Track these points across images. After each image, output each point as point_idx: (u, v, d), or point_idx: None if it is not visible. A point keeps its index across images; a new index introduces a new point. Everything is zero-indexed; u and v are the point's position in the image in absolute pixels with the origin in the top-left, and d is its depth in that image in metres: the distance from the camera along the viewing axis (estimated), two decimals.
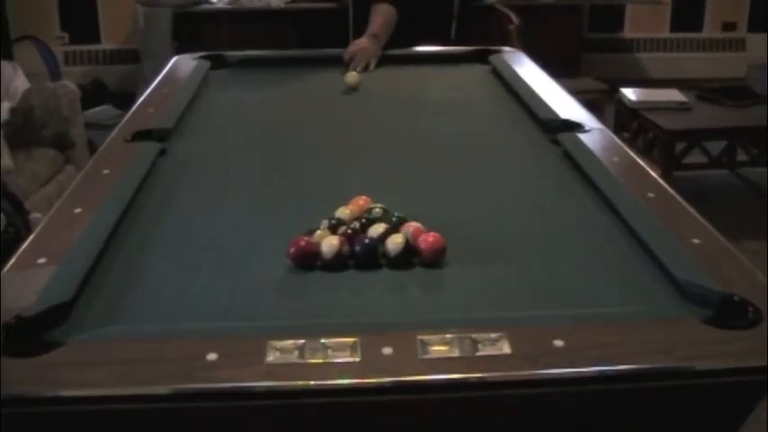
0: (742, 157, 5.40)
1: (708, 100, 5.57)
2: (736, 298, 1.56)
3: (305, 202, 2.15)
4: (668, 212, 1.98)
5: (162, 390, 1.35)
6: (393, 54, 3.73)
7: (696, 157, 5.24)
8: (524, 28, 5.48)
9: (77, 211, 2.01)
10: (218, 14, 7.11)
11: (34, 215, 3.79)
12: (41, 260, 1.75)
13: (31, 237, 1.91)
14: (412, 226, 1.85)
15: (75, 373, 1.39)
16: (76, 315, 1.59)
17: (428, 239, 1.81)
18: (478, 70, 3.56)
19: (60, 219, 1.99)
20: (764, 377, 1.39)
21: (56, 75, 6.83)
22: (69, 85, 5.07)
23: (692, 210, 2.00)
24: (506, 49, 3.88)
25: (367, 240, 1.81)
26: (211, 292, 1.71)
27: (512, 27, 5.44)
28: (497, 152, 2.60)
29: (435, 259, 1.80)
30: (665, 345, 1.44)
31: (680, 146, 5.15)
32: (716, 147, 5.32)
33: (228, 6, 7.10)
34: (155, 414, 1.37)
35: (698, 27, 8.56)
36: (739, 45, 8.59)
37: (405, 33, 3.86)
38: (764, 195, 5.33)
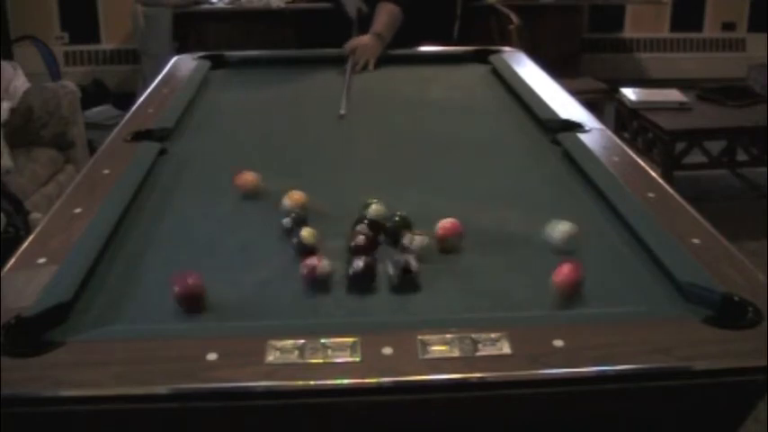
0: (742, 157, 5.39)
1: (708, 100, 5.55)
2: (736, 298, 1.56)
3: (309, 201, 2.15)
4: (668, 212, 1.98)
5: (162, 390, 1.35)
6: (393, 54, 3.73)
7: (696, 156, 5.24)
8: (524, 28, 5.48)
9: (77, 211, 2.01)
10: (218, 14, 7.11)
11: (34, 215, 3.78)
12: (41, 260, 1.76)
13: (31, 237, 1.91)
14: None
15: (74, 373, 1.39)
16: (76, 315, 1.59)
17: (446, 225, 1.88)
18: (478, 70, 3.56)
19: (60, 219, 1.99)
20: (764, 377, 1.40)
21: (56, 75, 6.83)
22: (69, 85, 5.06)
23: (692, 210, 2.01)
24: (506, 49, 3.88)
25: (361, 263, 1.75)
26: (211, 291, 1.71)
27: (512, 27, 5.44)
28: (497, 152, 2.59)
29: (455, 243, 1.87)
30: (665, 345, 1.44)
31: (680, 146, 5.14)
32: (716, 147, 5.31)
33: (228, 6, 7.10)
34: (155, 414, 1.37)
35: (698, 27, 8.56)
36: (739, 45, 8.59)
37: (408, 34, 3.85)
38: (764, 195, 5.33)
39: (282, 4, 7.00)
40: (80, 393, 1.35)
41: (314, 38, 5.53)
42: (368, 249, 1.81)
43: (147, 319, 1.63)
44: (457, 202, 2.17)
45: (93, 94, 7.01)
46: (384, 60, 3.67)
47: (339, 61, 3.60)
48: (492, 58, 3.61)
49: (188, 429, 1.41)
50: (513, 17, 5.55)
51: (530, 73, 3.31)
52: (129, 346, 1.46)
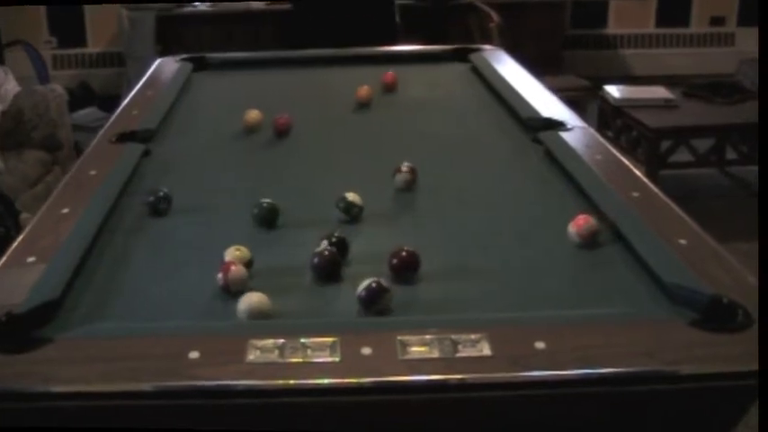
0: (731, 155, 5.33)
1: (695, 97, 5.48)
2: (724, 300, 1.54)
3: (287, 202, 2.15)
4: (653, 212, 1.98)
5: (146, 387, 1.37)
6: (372, 53, 3.74)
7: (683, 155, 5.21)
8: (505, 25, 5.48)
9: (65, 211, 2.04)
10: (199, 17, 7.11)
11: (24, 215, 3.81)
12: (31, 259, 1.78)
13: (21, 236, 1.93)
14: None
15: (62, 369, 1.41)
16: (65, 313, 1.62)
17: (579, 222, 1.90)
18: (458, 69, 3.55)
19: (49, 219, 2.02)
20: (755, 382, 1.37)
21: (44, 78, 6.82)
22: (57, 88, 5.11)
23: (678, 209, 2.00)
24: (487, 47, 3.87)
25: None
26: (195, 291, 1.73)
27: (492, 25, 5.45)
28: (477, 152, 2.60)
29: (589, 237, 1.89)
30: (650, 347, 1.43)
31: (665, 144, 5.10)
32: (704, 145, 5.28)
33: (210, 9, 7.11)
34: (140, 410, 1.38)
35: (684, 22, 8.45)
36: (728, 40, 8.49)
37: (346, 26, 3.84)
38: (755, 194, 5.28)
39: (263, 6, 7.02)
40: (68, 389, 1.37)
41: (294, 38, 5.54)
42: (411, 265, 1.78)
43: (133, 316, 1.65)
44: (436, 201, 2.18)
45: (79, 96, 7.01)
46: (363, 60, 3.66)
47: (318, 61, 3.63)
48: (472, 56, 3.60)
49: (171, 425, 1.41)
50: (494, 15, 5.55)
51: (510, 71, 3.30)
52: (115, 344, 1.48)
